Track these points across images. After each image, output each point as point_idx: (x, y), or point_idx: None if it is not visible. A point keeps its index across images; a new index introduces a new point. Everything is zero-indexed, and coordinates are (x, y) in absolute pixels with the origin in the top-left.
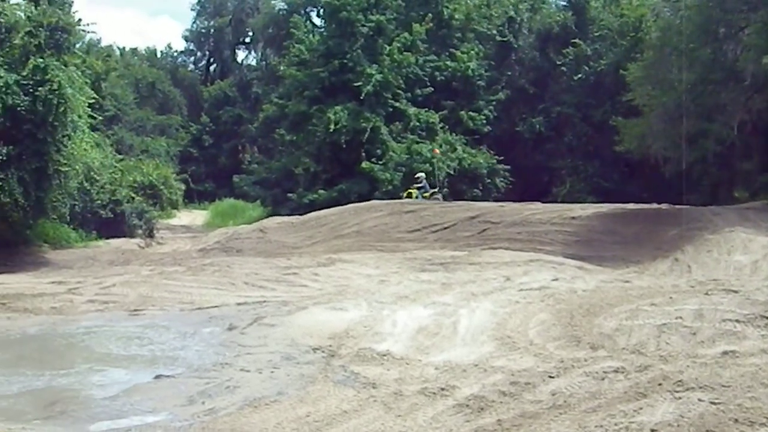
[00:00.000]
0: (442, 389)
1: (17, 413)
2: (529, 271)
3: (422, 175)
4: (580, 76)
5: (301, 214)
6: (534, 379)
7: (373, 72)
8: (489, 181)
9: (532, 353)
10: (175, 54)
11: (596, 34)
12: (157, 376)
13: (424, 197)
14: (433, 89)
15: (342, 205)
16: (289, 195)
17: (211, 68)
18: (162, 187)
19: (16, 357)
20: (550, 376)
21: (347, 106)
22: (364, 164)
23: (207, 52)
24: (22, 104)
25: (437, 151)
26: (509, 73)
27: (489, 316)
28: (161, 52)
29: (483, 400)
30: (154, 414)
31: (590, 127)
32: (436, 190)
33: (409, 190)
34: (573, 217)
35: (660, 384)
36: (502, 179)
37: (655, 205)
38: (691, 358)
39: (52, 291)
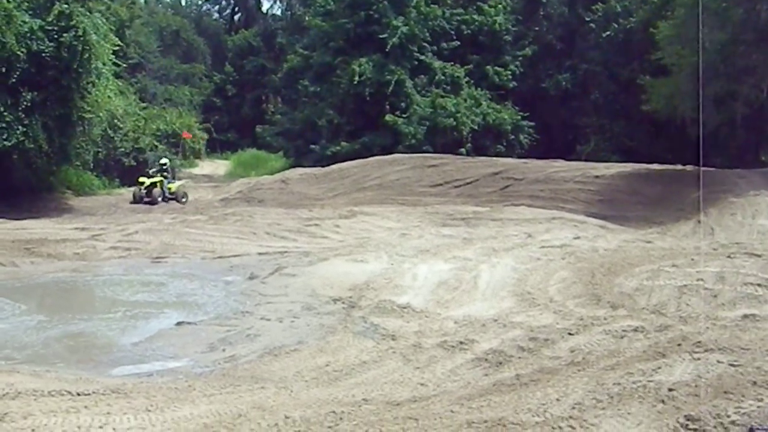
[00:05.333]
0: (461, 343)
1: (42, 357)
2: (550, 228)
3: (167, 160)
4: (608, 33)
5: (323, 166)
6: (553, 336)
7: (399, 24)
8: (513, 137)
9: (552, 310)
10: (200, 2)
11: None
12: (179, 323)
13: (169, 190)
14: (459, 43)
15: (365, 157)
16: (312, 146)
17: (236, 17)
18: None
19: (39, 302)
20: (570, 333)
21: (372, 58)
22: (388, 117)
23: (232, 1)
24: (46, 50)
25: (188, 134)
26: (537, 28)
27: (510, 272)
28: (186, 0)
29: (502, 355)
30: (176, 360)
31: (617, 85)
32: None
33: (152, 179)
34: (596, 176)
35: (679, 344)
36: (526, 136)
37: (679, 167)
38: (711, 320)
39: (75, 237)
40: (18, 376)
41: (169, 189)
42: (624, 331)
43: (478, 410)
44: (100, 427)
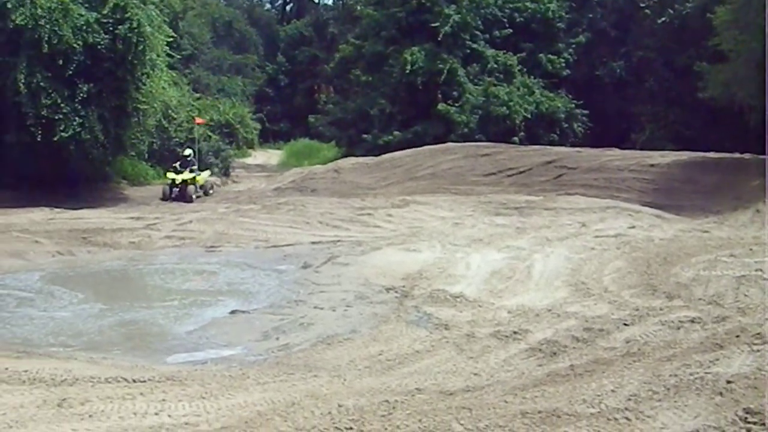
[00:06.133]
0: (515, 333)
1: (99, 344)
2: (605, 217)
3: (191, 151)
4: (664, 19)
5: (375, 155)
6: (608, 326)
7: (451, 12)
8: (566, 125)
9: (607, 300)
10: None
11: None
12: (233, 312)
13: (197, 183)
14: (511, 31)
15: (417, 147)
16: (364, 136)
17: (288, 7)
18: (238, 126)
19: (96, 291)
20: (625, 324)
21: (424, 47)
22: (440, 106)
23: None
24: (102, 42)
25: (201, 120)
26: (590, 15)
27: (563, 261)
28: None
29: (556, 345)
30: (230, 348)
31: (673, 72)
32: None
33: (183, 176)
34: (652, 165)
35: (737, 336)
36: (580, 124)
37: (737, 155)
38: None
39: (130, 226)
40: (75, 363)
41: (197, 182)
42: (680, 321)
43: (532, 401)
44: (156, 414)
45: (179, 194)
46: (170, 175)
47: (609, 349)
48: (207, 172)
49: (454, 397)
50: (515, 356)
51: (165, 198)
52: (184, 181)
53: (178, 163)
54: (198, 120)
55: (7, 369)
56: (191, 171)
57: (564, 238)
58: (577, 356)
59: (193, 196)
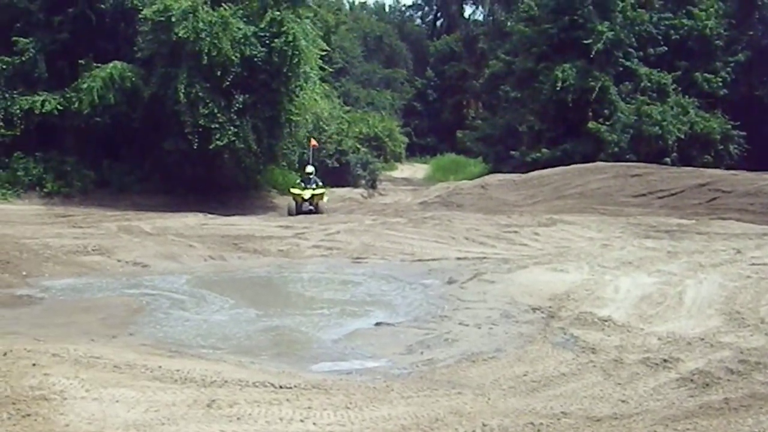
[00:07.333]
0: (665, 361)
1: (247, 348)
2: (761, 245)
3: (313, 168)
4: None
5: (523, 173)
6: (765, 360)
7: (605, 29)
8: (722, 147)
9: (764, 332)
10: (403, 8)
11: None
12: (378, 324)
13: (312, 200)
14: (666, 48)
15: (565, 165)
16: (512, 152)
17: (438, 23)
18: (386, 139)
19: (246, 296)
20: None
21: (576, 64)
22: (591, 124)
23: (434, 7)
24: (258, 55)
25: (315, 143)
26: (751, 32)
27: (717, 289)
28: (389, 6)
29: (709, 376)
30: (374, 360)
31: None
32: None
33: (312, 191)
34: None
35: None
36: (736, 146)
37: None
38: None
39: (279, 234)
40: (225, 365)
41: (312, 199)
42: None
43: None
44: (301, 421)
45: (310, 209)
46: (295, 190)
47: (767, 384)
48: (326, 197)
49: (601, 424)
50: (665, 385)
51: (291, 214)
52: (312, 197)
53: (300, 179)
54: (313, 143)
55: (160, 367)
56: (315, 187)
57: (718, 265)
58: (732, 389)
59: (324, 211)
